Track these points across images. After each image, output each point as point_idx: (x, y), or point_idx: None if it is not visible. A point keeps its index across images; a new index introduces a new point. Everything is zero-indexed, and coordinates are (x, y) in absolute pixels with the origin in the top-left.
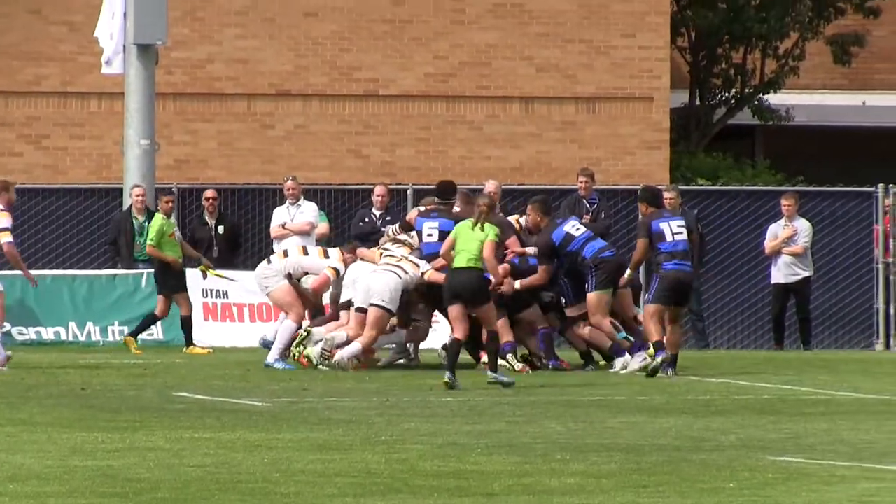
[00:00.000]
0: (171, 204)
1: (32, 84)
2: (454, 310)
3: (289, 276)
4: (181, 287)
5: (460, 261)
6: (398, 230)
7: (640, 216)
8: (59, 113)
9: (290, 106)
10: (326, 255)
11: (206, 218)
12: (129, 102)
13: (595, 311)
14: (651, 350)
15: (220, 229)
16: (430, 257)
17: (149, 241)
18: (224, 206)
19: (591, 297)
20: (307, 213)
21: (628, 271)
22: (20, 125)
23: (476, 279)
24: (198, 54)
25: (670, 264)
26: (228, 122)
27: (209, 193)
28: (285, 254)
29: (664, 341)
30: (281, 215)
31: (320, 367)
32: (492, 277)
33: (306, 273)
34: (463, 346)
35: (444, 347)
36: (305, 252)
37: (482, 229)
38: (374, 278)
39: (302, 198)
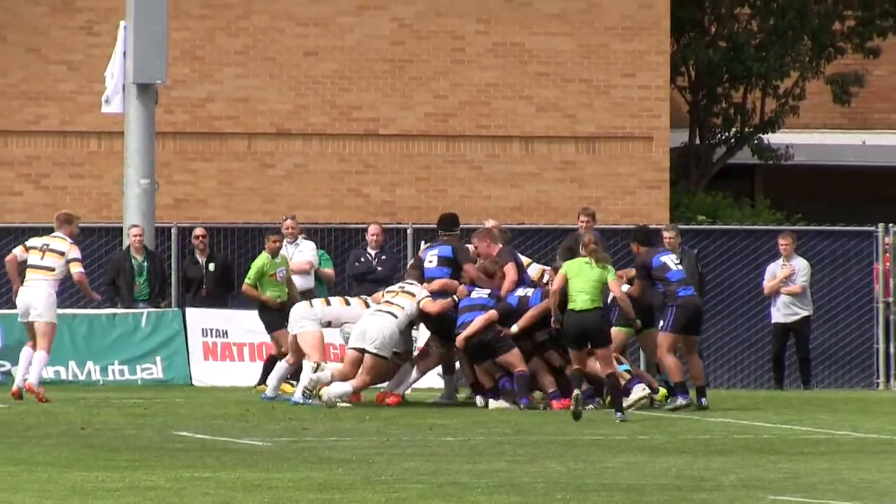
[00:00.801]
0: (277, 244)
1: (32, 123)
2: (578, 354)
3: (328, 324)
4: (279, 325)
5: (583, 303)
6: (409, 272)
7: (636, 257)
8: (58, 152)
9: (291, 145)
10: (347, 303)
11: (197, 256)
12: (128, 142)
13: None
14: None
15: (211, 267)
16: (428, 280)
17: (246, 280)
18: (224, 246)
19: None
20: (306, 252)
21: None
22: (20, 164)
23: (599, 320)
24: (198, 93)
25: (684, 291)
26: (228, 161)
27: (198, 232)
28: (327, 302)
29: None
30: None
31: (306, 402)
32: (627, 312)
33: (344, 323)
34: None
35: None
36: (347, 303)
37: (597, 267)
38: (370, 322)
39: (301, 237)
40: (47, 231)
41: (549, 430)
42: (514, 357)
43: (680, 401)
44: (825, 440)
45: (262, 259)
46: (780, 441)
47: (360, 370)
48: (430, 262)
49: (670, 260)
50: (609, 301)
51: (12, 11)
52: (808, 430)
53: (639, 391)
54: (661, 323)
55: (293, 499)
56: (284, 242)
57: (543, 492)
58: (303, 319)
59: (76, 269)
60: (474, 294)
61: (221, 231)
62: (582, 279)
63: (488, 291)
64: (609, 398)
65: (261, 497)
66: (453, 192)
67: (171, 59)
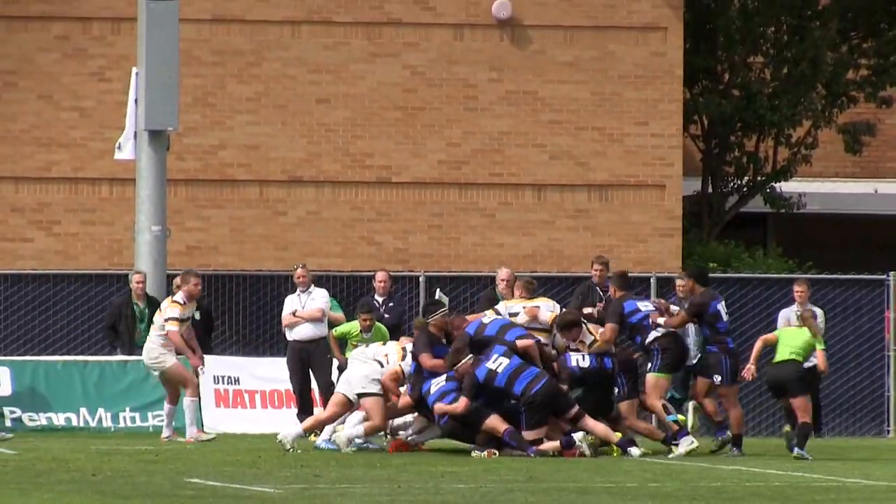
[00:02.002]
0: (368, 322)
1: (43, 170)
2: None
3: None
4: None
5: (783, 354)
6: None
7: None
8: (70, 199)
9: (303, 192)
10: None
11: None
12: (140, 188)
13: (651, 393)
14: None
15: (197, 315)
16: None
17: (334, 331)
18: (236, 293)
19: (651, 378)
20: (318, 299)
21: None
22: (31, 211)
23: (797, 370)
24: (209, 140)
25: (731, 342)
26: (240, 208)
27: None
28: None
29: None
30: (292, 303)
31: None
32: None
33: None
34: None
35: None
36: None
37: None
38: (351, 370)
39: (312, 285)
40: (57, 278)
41: (560, 476)
42: (494, 421)
43: (737, 453)
44: (836, 488)
45: (353, 328)
46: (791, 489)
47: (368, 415)
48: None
49: (723, 308)
50: (648, 343)
51: (24, 58)
52: (819, 478)
53: (686, 444)
54: (719, 377)
55: None
56: (297, 291)
57: None
58: (371, 382)
59: (169, 328)
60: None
61: (233, 278)
62: (788, 336)
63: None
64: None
65: None
66: (466, 240)
67: (183, 106)
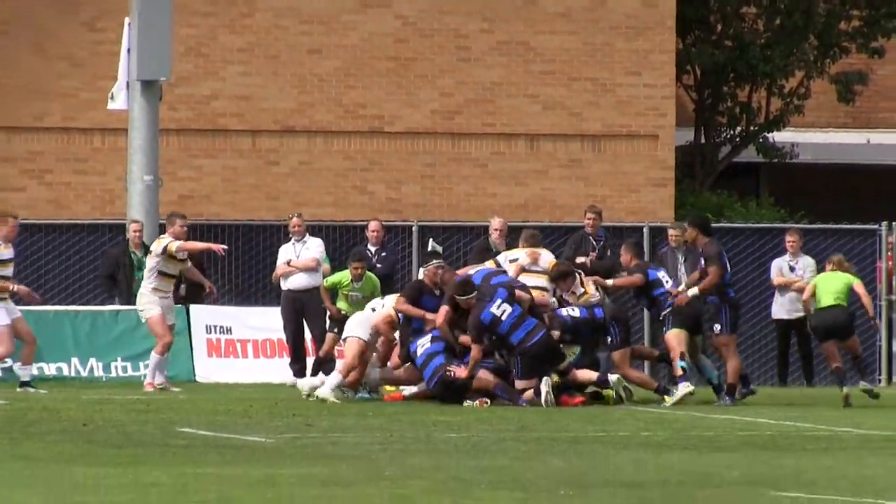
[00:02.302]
0: (359, 271)
1: (35, 120)
2: (829, 345)
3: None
4: (329, 329)
5: (827, 300)
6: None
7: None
8: (62, 148)
9: (295, 142)
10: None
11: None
12: (132, 138)
13: (674, 346)
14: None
15: (189, 264)
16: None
17: (324, 282)
18: (228, 242)
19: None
20: (312, 249)
21: None
22: (23, 160)
23: (843, 314)
24: (202, 90)
25: (731, 291)
26: (233, 158)
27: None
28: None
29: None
30: (286, 252)
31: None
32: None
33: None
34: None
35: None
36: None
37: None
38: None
39: (307, 234)
40: (49, 227)
41: (551, 426)
42: (484, 374)
43: (729, 401)
44: (827, 437)
45: (344, 277)
46: (782, 438)
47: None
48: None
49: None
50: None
51: (16, 8)
52: (811, 427)
53: (684, 388)
54: (719, 326)
55: (296, 495)
56: (292, 241)
57: (546, 488)
58: (357, 325)
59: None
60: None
61: (226, 228)
62: (826, 281)
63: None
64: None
65: (263, 493)
66: (458, 190)
67: (176, 56)
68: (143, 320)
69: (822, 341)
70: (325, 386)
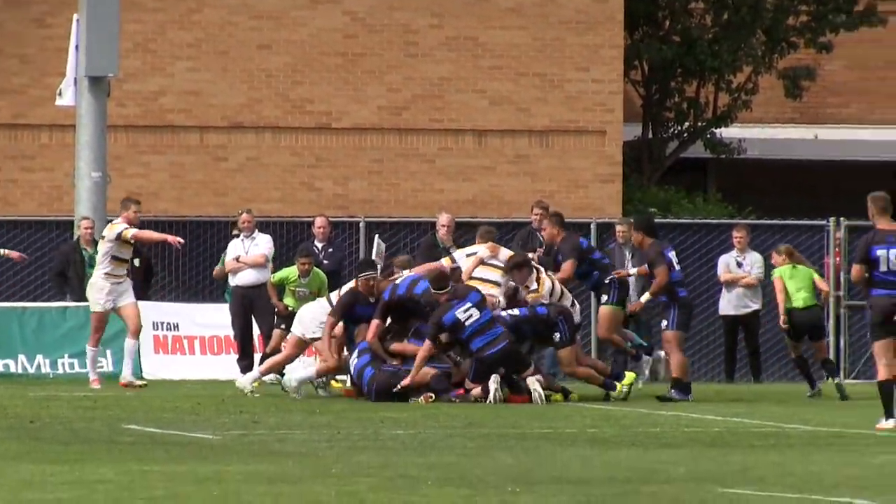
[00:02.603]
0: (306, 266)
1: None
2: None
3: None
4: (276, 325)
5: (805, 300)
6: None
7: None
8: (9, 145)
9: (243, 138)
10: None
11: None
12: (80, 135)
13: (609, 326)
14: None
15: (136, 262)
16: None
17: (272, 277)
18: None
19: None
20: (261, 245)
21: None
22: None
23: (819, 316)
24: (150, 86)
25: (683, 291)
26: (180, 154)
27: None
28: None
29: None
30: (235, 248)
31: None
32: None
33: None
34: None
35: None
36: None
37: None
38: (304, 310)
39: (256, 230)
40: None
41: (499, 422)
42: (422, 372)
43: (678, 396)
44: (775, 433)
45: (291, 273)
46: (730, 434)
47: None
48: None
49: (675, 257)
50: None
51: None
52: (758, 423)
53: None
54: (665, 322)
55: (242, 492)
56: (241, 237)
57: (494, 484)
58: (321, 325)
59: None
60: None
61: (173, 224)
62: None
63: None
64: None
65: (210, 490)
66: (406, 186)
67: (124, 52)
68: (91, 311)
69: (797, 340)
70: (246, 378)
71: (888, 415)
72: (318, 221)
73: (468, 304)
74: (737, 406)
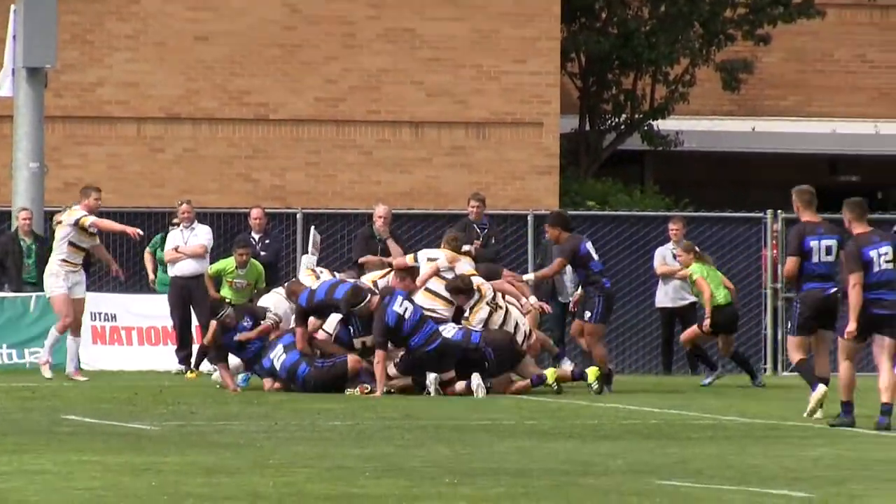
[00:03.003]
0: (244, 257)
1: None
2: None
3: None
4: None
5: (726, 297)
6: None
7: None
8: None
9: (180, 130)
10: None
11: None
12: (17, 125)
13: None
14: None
15: None
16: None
17: (208, 270)
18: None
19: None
20: (201, 236)
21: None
22: None
23: (735, 312)
24: (87, 77)
25: (607, 280)
26: (118, 145)
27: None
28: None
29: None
30: (174, 239)
31: None
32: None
33: None
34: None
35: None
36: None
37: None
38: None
39: (196, 221)
40: None
41: (437, 413)
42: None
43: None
44: (712, 425)
45: (228, 264)
46: (667, 426)
47: None
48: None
49: (592, 248)
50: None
51: None
52: (696, 416)
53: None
54: (589, 314)
55: (180, 482)
56: (181, 227)
57: (431, 476)
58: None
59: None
60: None
61: (111, 215)
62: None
63: None
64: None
65: (148, 481)
66: (343, 178)
67: (61, 43)
68: (48, 296)
69: (716, 336)
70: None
71: (813, 385)
72: (254, 213)
73: (399, 298)
74: (674, 398)
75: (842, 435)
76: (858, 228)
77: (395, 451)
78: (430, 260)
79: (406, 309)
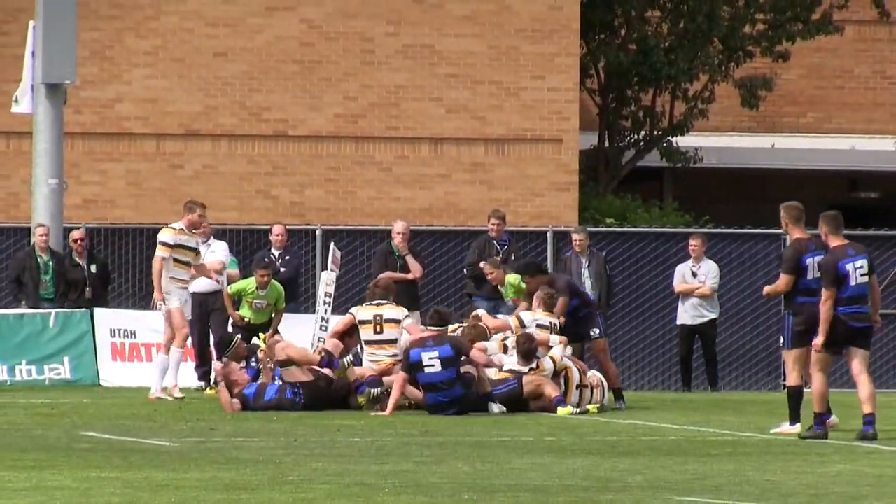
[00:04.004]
0: (265, 279)
1: None
2: None
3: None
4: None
5: None
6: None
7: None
8: None
9: (199, 146)
10: None
11: (77, 259)
12: (37, 142)
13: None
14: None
15: (93, 269)
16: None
17: (228, 289)
18: (132, 246)
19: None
20: (218, 252)
21: None
22: None
23: None
24: (107, 94)
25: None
26: (137, 161)
27: (76, 234)
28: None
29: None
30: None
31: None
32: None
33: None
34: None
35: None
36: None
37: None
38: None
39: (213, 237)
40: None
41: (456, 430)
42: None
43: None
44: (731, 442)
45: (249, 284)
46: (686, 442)
47: None
48: (432, 365)
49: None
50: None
51: None
52: (715, 432)
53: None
54: (597, 330)
55: (200, 499)
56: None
57: (450, 492)
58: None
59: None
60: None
61: (130, 232)
62: None
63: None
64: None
65: (167, 497)
66: (362, 194)
67: (80, 60)
68: (163, 311)
69: None
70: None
71: (794, 419)
72: (276, 229)
73: (435, 353)
74: (693, 414)
75: (860, 451)
76: (835, 241)
77: (414, 468)
78: (538, 326)
79: (431, 366)
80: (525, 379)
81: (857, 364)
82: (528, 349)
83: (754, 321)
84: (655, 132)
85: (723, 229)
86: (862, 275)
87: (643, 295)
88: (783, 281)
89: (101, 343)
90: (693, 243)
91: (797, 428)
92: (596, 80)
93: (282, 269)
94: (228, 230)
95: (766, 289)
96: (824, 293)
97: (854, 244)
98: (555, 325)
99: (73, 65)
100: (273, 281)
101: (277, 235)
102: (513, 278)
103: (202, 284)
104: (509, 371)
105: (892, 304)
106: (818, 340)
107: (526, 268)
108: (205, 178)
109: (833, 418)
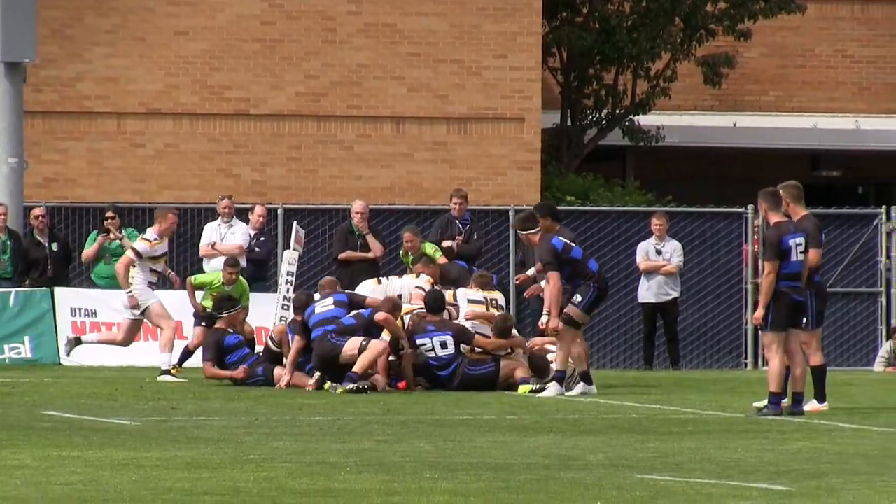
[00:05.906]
0: (233, 276)
1: None
2: None
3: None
4: (196, 323)
5: None
6: None
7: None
8: None
9: (161, 125)
10: None
11: (38, 237)
12: None
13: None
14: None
15: (55, 247)
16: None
17: (192, 279)
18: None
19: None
20: (238, 235)
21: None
22: None
23: None
24: (67, 73)
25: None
26: (98, 140)
27: (37, 212)
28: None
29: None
30: (211, 233)
31: None
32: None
33: None
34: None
35: None
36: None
37: None
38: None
39: (235, 218)
40: None
41: (417, 409)
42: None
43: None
44: (693, 420)
45: (215, 278)
46: (648, 421)
47: None
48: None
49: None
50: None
51: None
52: (677, 410)
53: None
54: (580, 298)
55: (161, 478)
56: (218, 222)
57: (412, 471)
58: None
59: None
60: None
61: (91, 210)
62: None
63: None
64: None
65: (128, 476)
66: (324, 173)
67: (40, 38)
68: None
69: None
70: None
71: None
72: (258, 210)
73: (439, 339)
74: (655, 393)
75: (820, 429)
76: (775, 218)
77: (375, 447)
78: (471, 302)
79: (431, 349)
80: (502, 363)
81: (794, 342)
82: (504, 328)
83: (716, 300)
84: (618, 111)
85: (685, 208)
86: (801, 252)
87: (605, 274)
88: (770, 267)
89: (61, 322)
90: (657, 222)
91: (825, 406)
92: (558, 58)
93: (256, 249)
94: (190, 209)
95: (762, 287)
96: (767, 266)
97: (793, 221)
98: (494, 300)
99: (34, 43)
100: (241, 278)
101: (259, 216)
102: (428, 247)
103: (217, 265)
104: (484, 352)
105: (858, 282)
106: (757, 314)
107: (544, 207)
108: (166, 157)
109: (824, 405)
